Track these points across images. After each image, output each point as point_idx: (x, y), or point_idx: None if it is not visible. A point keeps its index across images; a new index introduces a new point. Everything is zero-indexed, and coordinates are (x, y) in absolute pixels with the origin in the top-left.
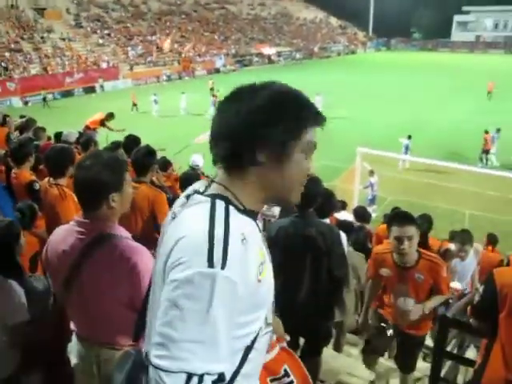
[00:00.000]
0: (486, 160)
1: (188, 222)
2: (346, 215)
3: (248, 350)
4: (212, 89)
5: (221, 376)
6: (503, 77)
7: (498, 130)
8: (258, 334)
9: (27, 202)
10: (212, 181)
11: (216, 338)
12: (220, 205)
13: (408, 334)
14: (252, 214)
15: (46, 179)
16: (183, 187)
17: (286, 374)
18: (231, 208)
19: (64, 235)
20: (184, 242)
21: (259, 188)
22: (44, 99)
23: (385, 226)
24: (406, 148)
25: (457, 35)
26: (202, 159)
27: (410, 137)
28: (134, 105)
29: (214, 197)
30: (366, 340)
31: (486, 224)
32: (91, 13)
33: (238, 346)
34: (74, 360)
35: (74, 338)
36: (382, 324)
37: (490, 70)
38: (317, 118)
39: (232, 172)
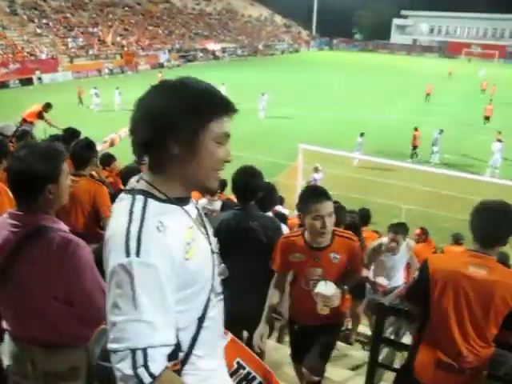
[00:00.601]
0: (416, 155)
1: (112, 220)
2: (281, 209)
3: (201, 319)
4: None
5: (176, 346)
6: (438, 79)
7: (441, 131)
8: (206, 304)
9: None
10: (141, 178)
11: (148, 315)
12: (139, 199)
13: (324, 324)
14: (179, 201)
15: None
16: (125, 181)
17: (241, 367)
18: (150, 200)
19: None
20: (110, 241)
21: (178, 177)
22: None
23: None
24: (360, 145)
25: (395, 38)
26: None
27: (362, 134)
28: (80, 99)
29: (134, 193)
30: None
31: (421, 218)
32: (27, 0)
33: (188, 318)
34: (6, 361)
35: (6, 337)
36: (295, 325)
37: (426, 73)
38: (226, 109)
39: (153, 167)
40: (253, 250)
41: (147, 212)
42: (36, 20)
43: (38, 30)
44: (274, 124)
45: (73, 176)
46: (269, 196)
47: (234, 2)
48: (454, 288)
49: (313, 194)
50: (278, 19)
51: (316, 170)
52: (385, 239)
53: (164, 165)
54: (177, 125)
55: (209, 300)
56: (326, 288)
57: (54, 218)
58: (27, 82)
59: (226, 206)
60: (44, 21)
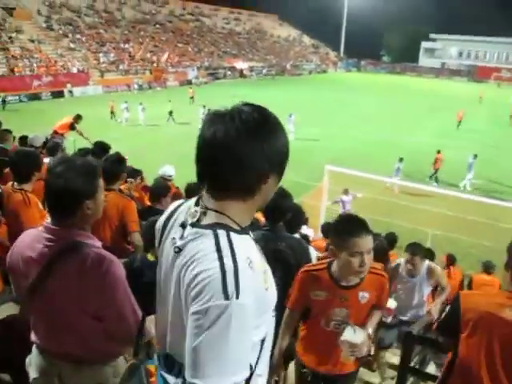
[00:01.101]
0: (436, 178)
1: (199, 257)
2: (306, 230)
3: (263, 339)
4: (192, 97)
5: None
6: (468, 103)
7: (475, 156)
8: (268, 330)
9: None
10: (206, 208)
11: (239, 355)
12: (222, 234)
13: (341, 374)
14: (247, 229)
15: (10, 183)
16: (154, 197)
17: None
18: (232, 234)
19: (31, 241)
20: (200, 278)
21: (254, 207)
22: (3, 101)
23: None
24: (398, 170)
25: (424, 61)
26: (173, 169)
27: (401, 159)
28: (112, 113)
29: (214, 227)
30: None
31: (447, 244)
32: (63, 16)
33: (256, 341)
34: (33, 374)
35: (34, 349)
36: (305, 370)
37: (456, 96)
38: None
39: (233, 199)
40: (280, 272)
41: (235, 249)
42: (70, 35)
43: (72, 45)
44: (301, 143)
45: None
46: (296, 217)
47: (264, 22)
48: (486, 331)
49: (351, 226)
50: (307, 40)
51: (346, 192)
52: (402, 260)
53: (250, 197)
54: (281, 166)
55: (270, 320)
56: (355, 335)
57: (88, 234)
58: (58, 94)
59: (253, 226)
60: (78, 36)
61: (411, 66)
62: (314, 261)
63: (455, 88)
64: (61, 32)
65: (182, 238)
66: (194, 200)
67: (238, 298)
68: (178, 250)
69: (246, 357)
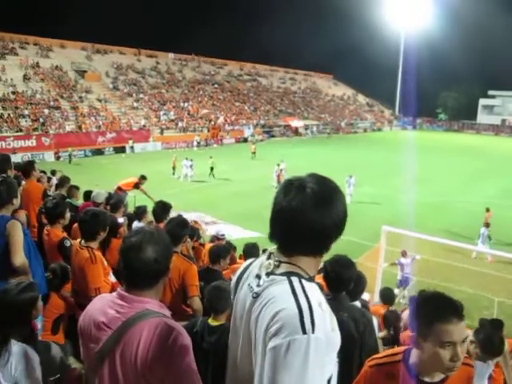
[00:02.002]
0: (489, 237)
1: (277, 298)
2: (364, 295)
3: (329, 380)
4: (254, 153)
5: None
6: None
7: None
8: (332, 371)
9: (60, 263)
10: (280, 261)
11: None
12: (295, 280)
13: None
14: (314, 278)
15: (78, 240)
16: (214, 258)
17: None
18: (303, 281)
19: (103, 306)
20: (280, 316)
21: (320, 261)
22: (69, 156)
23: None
24: (483, 236)
25: (482, 118)
26: (226, 228)
27: (487, 225)
28: (174, 168)
29: (288, 275)
30: None
31: None
32: (129, 77)
33: (324, 381)
34: None
35: None
36: None
37: None
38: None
39: (302, 254)
40: (342, 345)
41: (307, 291)
42: (134, 95)
43: (135, 104)
44: (357, 203)
45: None
46: (358, 285)
47: (319, 82)
48: None
49: (442, 309)
50: (361, 98)
51: (404, 254)
52: (470, 332)
53: (319, 255)
54: (342, 228)
55: (335, 361)
56: None
57: (159, 303)
58: (120, 149)
59: None
60: (141, 95)
61: (469, 123)
62: (377, 329)
63: None
64: (125, 91)
65: (258, 285)
66: (265, 256)
67: (313, 332)
68: (256, 296)
69: None
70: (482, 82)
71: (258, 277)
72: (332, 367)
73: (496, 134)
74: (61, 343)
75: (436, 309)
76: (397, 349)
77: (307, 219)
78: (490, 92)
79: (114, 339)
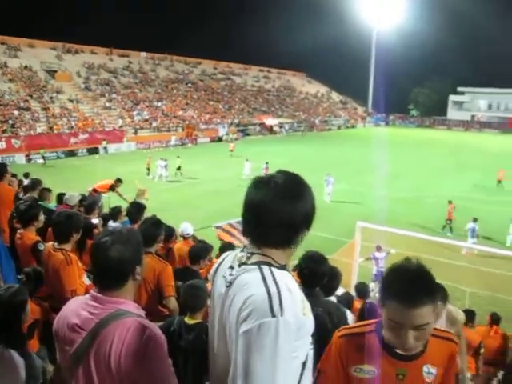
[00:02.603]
0: (443, 228)
1: (248, 285)
2: (338, 290)
3: (304, 363)
4: (232, 151)
5: None
6: (500, 157)
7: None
8: (307, 353)
9: (35, 267)
10: (252, 253)
11: (286, 371)
12: (265, 268)
13: None
14: (286, 267)
15: (51, 243)
16: (194, 258)
17: None
18: (273, 269)
19: (77, 308)
20: (250, 301)
21: (291, 254)
22: (43, 158)
23: None
24: (473, 231)
25: (452, 114)
26: (191, 228)
27: (475, 220)
28: (148, 169)
29: (259, 264)
30: None
31: (488, 304)
32: (101, 77)
33: (298, 364)
34: None
35: None
36: None
37: (488, 149)
38: None
39: (273, 245)
40: (317, 337)
41: (276, 278)
42: (106, 95)
43: (108, 104)
44: (332, 200)
45: None
46: (333, 280)
47: (293, 80)
48: None
49: (400, 289)
50: (335, 96)
51: (379, 248)
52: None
53: (287, 247)
54: (310, 222)
55: (309, 348)
56: None
57: (133, 303)
58: (94, 150)
59: None
60: (113, 95)
61: (440, 119)
62: (352, 323)
63: (486, 140)
64: (98, 91)
65: (231, 275)
66: (239, 249)
67: (282, 315)
68: (229, 284)
69: (292, 375)
70: (451, 78)
71: (232, 268)
72: (306, 351)
73: (466, 129)
74: (35, 349)
75: (397, 284)
76: (370, 320)
77: (274, 212)
78: (460, 89)
79: (87, 341)
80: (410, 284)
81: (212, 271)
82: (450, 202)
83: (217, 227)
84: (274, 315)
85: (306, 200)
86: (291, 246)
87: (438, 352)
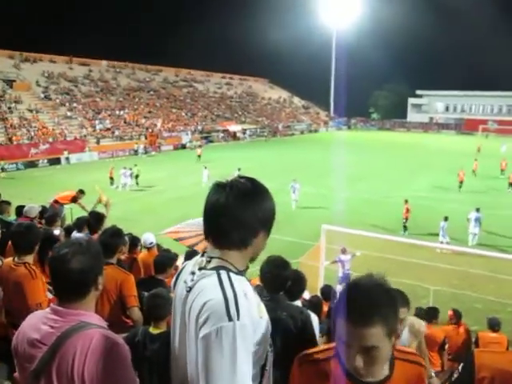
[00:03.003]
0: (405, 228)
1: (206, 290)
2: (304, 294)
3: (263, 367)
4: (200, 156)
5: None
6: (466, 156)
7: (478, 210)
8: (267, 355)
9: None
10: (210, 257)
11: (244, 374)
12: (223, 273)
13: None
14: (244, 272)
15: (11, 258)
16: (159, 268)
17: None
18: (231, 274)
19: (36, 323)
20: (208, 306)
21: (248, 256)
22: (2, 169)
23: None
24: (476, 220)
25: (412, 116)
26: (153, 237)
27: (478, 210)
28: (111, 178)
29: (217, 269)
30: None
31: (450, 300)
32: (61, 86)
33: (257, 367)
34: None
35: None
36: None
37: (446, 150)
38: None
39: (231, 249)
40: (280, 341)
41: (234, 283)
42: (67, 104)
43: (68, 113)
44: (298, 206)
45: None
46: (297, 285)
47: (254, 86)
48: None
49: (350, 306)
50: (297, 101)
51: (344, 251)
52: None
53: (244, 248)
54: (266, 227)
55: (268, 352)
56: None
57: (94, 314)
58: (55, 161)
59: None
60: (74, 104)
61: (400, 121)
62: (317, 328)
63: (444, 141)
64: (58, 101)
65: (192, 280)
66: (199, 254)
67: (238, 319)
68: (189, 289)
69: (249, 378)
70: (410, 81)
71: (193, 273)
72: (263, 353)
73: (425, 131)
74: None
75: (345, 298)
76: (331, 344)
77: (230, 213)
78: (418, 91)
79: (48, 355)
80: (361, 301)
81: (174, 277)
82: (405, 202)
83: (165, 233)
84: (230, 319)
85: (263, 203)
86: (247, 247)
87: (405, 376)
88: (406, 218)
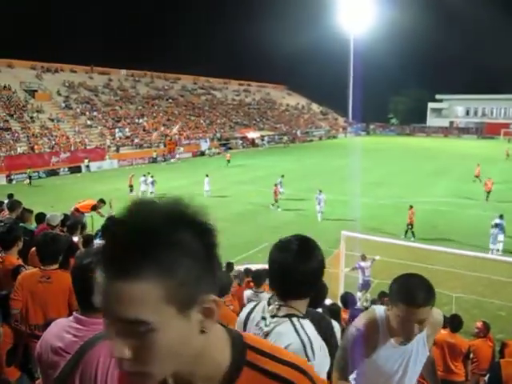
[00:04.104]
0: (406, 233)
1: (283, 336)
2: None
3: None
4: (229, 160)
5: None
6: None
7: (502, 217)
8: None
9: (3, 293)
10: (280, 305)
11: None
12: (295, 320)
13: None
14: (306, 316)
15: (36, 269)
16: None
17: None
18: (300, 319)
19: (59, 331)
20: (289, 349)
21: (307, 302)
22: (29, 178)
23: None
24: (498, 227)
25: (432, 121)
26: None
27: (502, 216)
28: (131, 186)
29: (289, 316)
30: None
31: (473, 307)
32: (81, 95)
33: None
34: None
35: None
36: None
37: (466, 155)
38: None
39: (297, 298)
40: None
41: (305, 328)
42: (87, 113)
43: (89, 122)
44: (323, 216)
45: None
46: (319, 292)
47: (273, 93)
48: None
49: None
50: (315, 107)
51: (363, 257)
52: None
53: (306, 296)
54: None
55: None
56: None
57: None
58: (76, 169)
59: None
60: (94, 113)
61: (420, 126)
62: (338, 335)
63: (465, 146)
64: (78, 110)
65: (266, 325)
66: (265, 302)
67: (314, 359)
68: (267, 334)
69: None
70: (429, 86)
71: (264, 318)
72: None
73: (445, 135)
74: (15, 377)
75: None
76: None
77: (296, 272)
78: (438, 96)
79: (71, 364)
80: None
81: (243, 317)
82: (410, 207)
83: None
84: (309, 360)
85: (319, 260)
86: (308, 297)
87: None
88: (411, 224)
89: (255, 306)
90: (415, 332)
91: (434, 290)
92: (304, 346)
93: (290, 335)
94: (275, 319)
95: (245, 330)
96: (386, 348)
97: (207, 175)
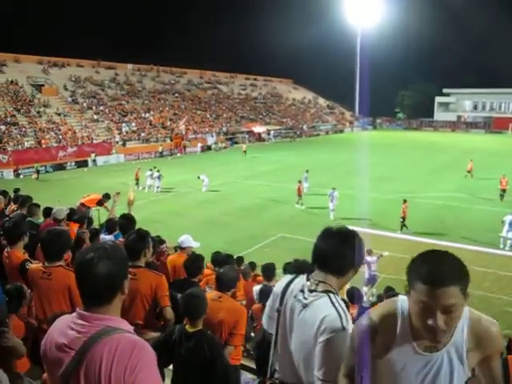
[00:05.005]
0: (402, 227)
1: (323, 308)
2: None
3: None
4: (245, 152)
5: None
6: (488, 156)
7: None
8: None
9: (16, 285)
10: (319, 281)
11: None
12: (332, 296)
13: None
14: (338, 292)
15: (40, 265)
16: (191, 272)
17: None
18: (336, 296)
19: (63, 327)
20: (327, 319)
21: (341, 284)
22: (37, 172)
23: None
24: (510, 224)
25: (439, 115)
26: (190, 239)
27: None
28: (137, 180)
29: (327, 292)
30: None
31: (480, 303)
32: (87, 90)
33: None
34: None
35: None
36: None
37: (474, 149)
38: None
39: (335, 276)
40: None
41: (340, 303)
42: (94, 107)
43: (95, 116)
44: (323, 205)
45: (130, 268)
46: None
47: (279, 87)
48: None
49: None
50: (322, 101)
51: (369, 252)
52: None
53: (342, 276)
54: (359, 265)
55: None
56: None
57: (120, 319)
58: (83, 163)
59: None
60: (101, 108)
61: (427, 120)
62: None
63: (473, 140)
64: (85, 105)
65: (305, 298)
66: (304, 276)
67: (348, 327)
68: (305, 306)
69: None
70: (436, 80)
71: (302, 291)
72: None
73: (452, 130)
74: (26, 369)
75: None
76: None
77: (339, 257)
78: (445, 90)
79: (76, 360)
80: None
81: (280, 288)
82: (404, 201)
83: None
84: (344, 328)
85: (361, 247)
86: (343, 277)
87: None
88: (404, 218)
89: (293, 279)
90: (440, 326)
91: (465, 268)
92: (340, 317)
93: (328, 308)
94: (314, 293)
95: (282, 300)
96: (405, 352)
97: (203, 173)
